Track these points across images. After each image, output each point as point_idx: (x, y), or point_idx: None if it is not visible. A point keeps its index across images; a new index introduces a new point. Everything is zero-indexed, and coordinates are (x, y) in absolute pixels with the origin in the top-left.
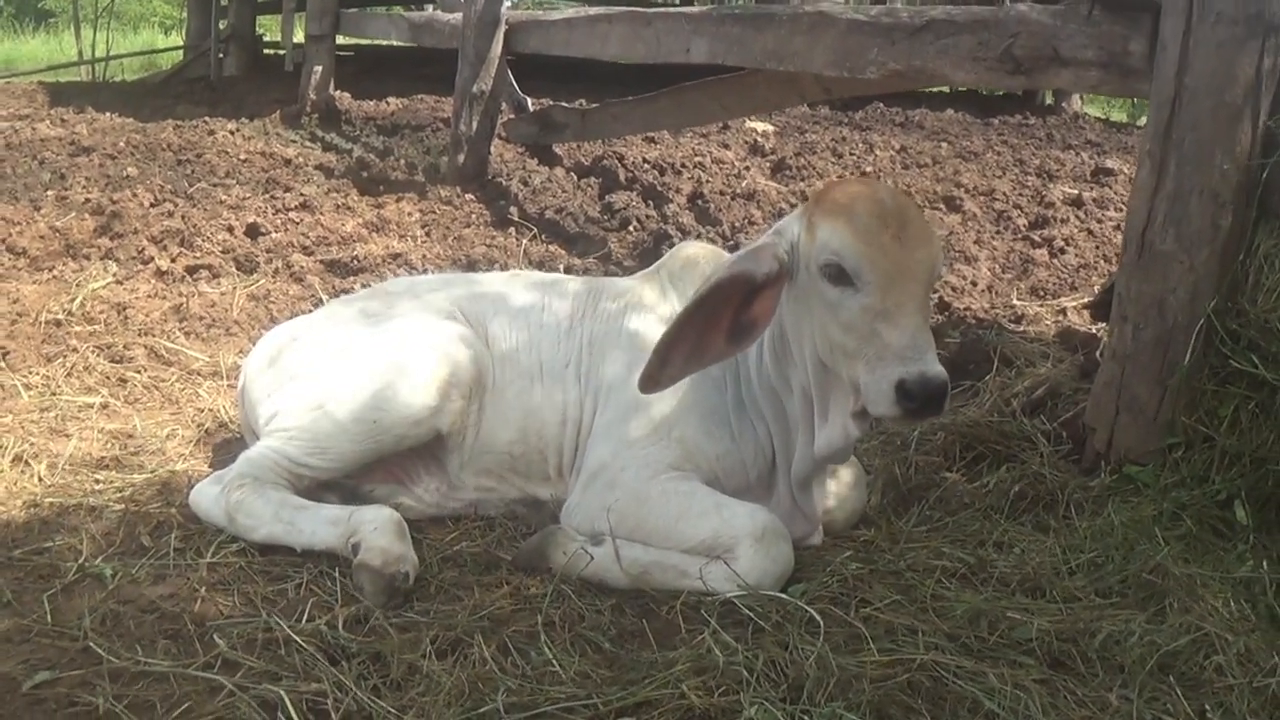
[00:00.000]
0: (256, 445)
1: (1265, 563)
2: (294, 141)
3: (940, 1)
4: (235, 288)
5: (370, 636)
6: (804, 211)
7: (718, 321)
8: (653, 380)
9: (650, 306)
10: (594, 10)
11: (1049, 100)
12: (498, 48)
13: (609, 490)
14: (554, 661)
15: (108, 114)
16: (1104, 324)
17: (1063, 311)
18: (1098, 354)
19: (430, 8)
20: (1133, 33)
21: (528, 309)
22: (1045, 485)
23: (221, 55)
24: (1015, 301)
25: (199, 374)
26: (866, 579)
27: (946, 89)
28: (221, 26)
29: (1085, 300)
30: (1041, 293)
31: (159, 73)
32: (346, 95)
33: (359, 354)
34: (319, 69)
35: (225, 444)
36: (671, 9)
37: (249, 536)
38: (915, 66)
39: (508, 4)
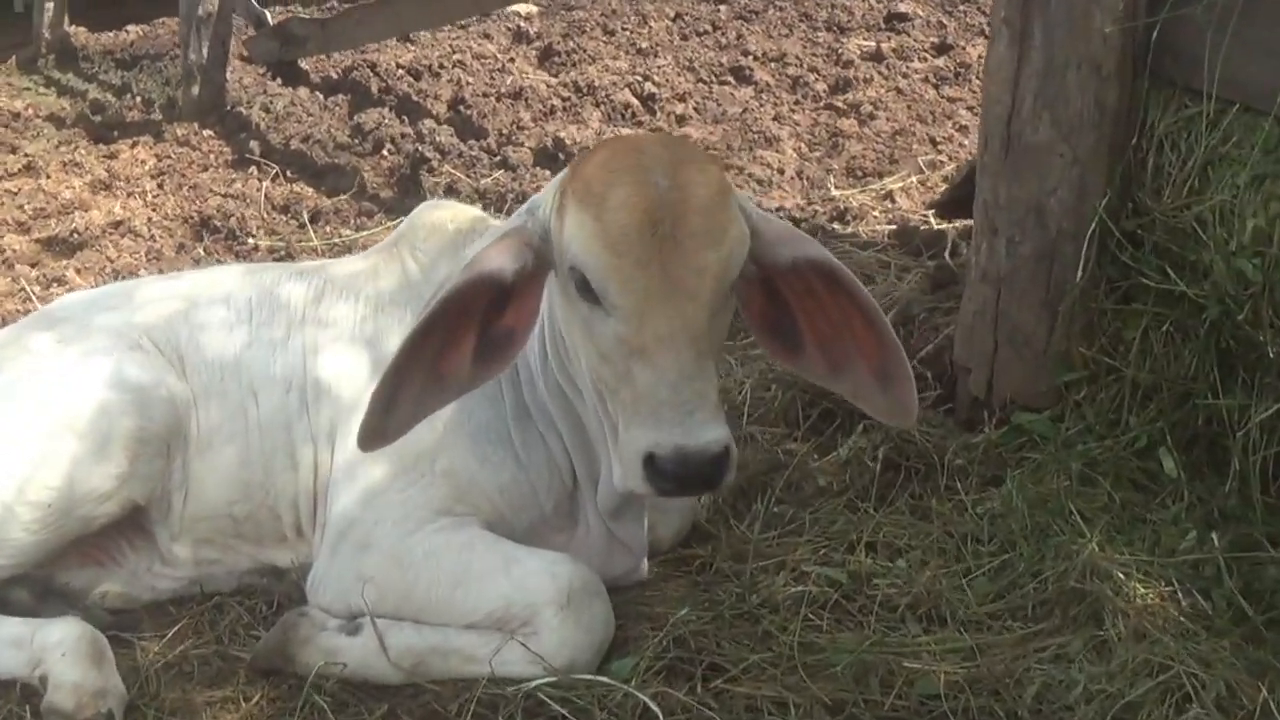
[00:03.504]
0: None
1: (1212, 533)
2: (26, 89)
3: None
4: None
5: None
6: (560, 184)
7: (458, 340)
8: (376, 433)
9: (389, 296)
10: None
11: None
12: None
13: (362, 554)
14: None
15: None
16: (953, 222)
17: (889, 196)
18: (946, 256)
19: None
20: None
21: (233, 320)
22: (915, 448)
23: None
24: (834, 191)
25: None
26: (712, 632)
27: None
28: None
29: (927, 192)
30: (859, 172)
31: None
32: (83, 30)
33: (15, 418)
34: (50, 6)
35: None
36: None
37: None
38: None
39: None
